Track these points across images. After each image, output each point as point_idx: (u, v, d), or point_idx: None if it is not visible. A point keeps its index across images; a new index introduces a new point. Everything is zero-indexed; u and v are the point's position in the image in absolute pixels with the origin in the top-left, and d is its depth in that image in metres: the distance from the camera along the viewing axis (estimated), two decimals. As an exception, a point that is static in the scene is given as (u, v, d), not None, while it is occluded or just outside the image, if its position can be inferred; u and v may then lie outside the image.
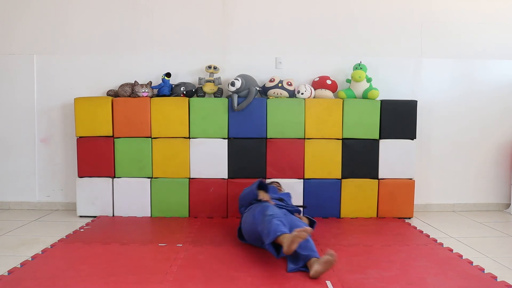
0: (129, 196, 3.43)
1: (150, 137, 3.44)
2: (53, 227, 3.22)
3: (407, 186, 3.50)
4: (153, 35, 3.72)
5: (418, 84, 3.78)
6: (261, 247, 2.48)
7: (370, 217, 3.48)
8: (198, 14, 3.72)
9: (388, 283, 2.15)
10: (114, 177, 3.45)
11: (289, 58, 3.73)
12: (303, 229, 2.17)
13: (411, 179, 3.51)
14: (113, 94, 3.54)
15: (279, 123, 3.43)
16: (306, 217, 2.91)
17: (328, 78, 3.58)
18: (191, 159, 3.44)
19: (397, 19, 3.75)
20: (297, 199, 3.42)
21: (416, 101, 3.52)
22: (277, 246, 2.28)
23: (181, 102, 3.42)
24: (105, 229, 3.11)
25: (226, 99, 3.43)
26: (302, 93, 3.47)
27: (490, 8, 3.79)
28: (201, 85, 3.56)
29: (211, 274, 2.23)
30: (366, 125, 3.45)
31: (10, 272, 2.26)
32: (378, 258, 2.52)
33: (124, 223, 3.28)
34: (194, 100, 3.44)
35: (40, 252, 2.58)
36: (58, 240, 2.81)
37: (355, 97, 3.56)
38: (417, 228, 3.20)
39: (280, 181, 3.43)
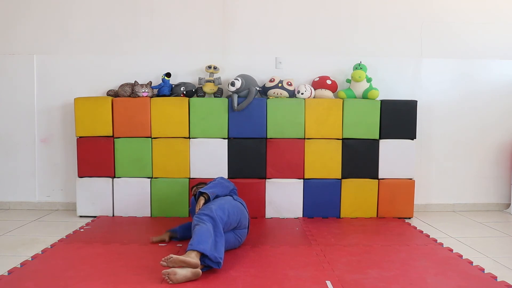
0: (129, 196, 3.43)
1: (150, 137, 3.44)
2: (53, 227, 3.22)
3: (407, 186, 3.49)
4: (153, 35, 3.72)
5: (418, 84, 3.78)
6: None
7: (370, 217, 3.48)
8: (198, 14, 3.72)
9: (388, 283, 2.15)
10: (114, 177, 3.45)
11: (289, 58, 3.73)
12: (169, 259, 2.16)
13: (411, 179, 3.51)
14: (113, 94, 3.54)
15: (279, 123, 3.42)
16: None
17: (328, 78, 3.58)
18: (191, 159, 3.44)
19: (397, 19, 3.75)
20: (297, 199, 3.43)
21: (416, 101, 3.52)
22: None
23: (181, 102, 3.42)
24: (105, 229, 3.11)
25: (226, 99, 3.43)
26: (302, 93, 3.47)
27: (490, 8, 3.79)
28: (201, 85, 3.56)
29: (211, 274, 2.23)
30: (366, 125, 3.45)
31: (10, 272, 2.26)
32: (378, 258, 2.52)
33: (124, 223, 3.28)
34: (194, 100, 3.44)
35: (40, 252, 2.58)
36: (58, 240, 2.81)
37: (355, 97, 3.56)
38: (417, 228, 3.20)
39: (280, 181, 3.43)
